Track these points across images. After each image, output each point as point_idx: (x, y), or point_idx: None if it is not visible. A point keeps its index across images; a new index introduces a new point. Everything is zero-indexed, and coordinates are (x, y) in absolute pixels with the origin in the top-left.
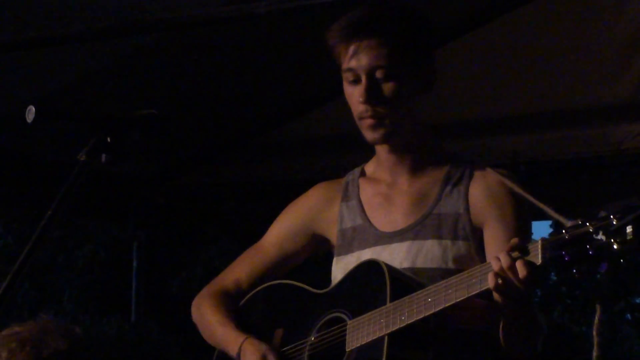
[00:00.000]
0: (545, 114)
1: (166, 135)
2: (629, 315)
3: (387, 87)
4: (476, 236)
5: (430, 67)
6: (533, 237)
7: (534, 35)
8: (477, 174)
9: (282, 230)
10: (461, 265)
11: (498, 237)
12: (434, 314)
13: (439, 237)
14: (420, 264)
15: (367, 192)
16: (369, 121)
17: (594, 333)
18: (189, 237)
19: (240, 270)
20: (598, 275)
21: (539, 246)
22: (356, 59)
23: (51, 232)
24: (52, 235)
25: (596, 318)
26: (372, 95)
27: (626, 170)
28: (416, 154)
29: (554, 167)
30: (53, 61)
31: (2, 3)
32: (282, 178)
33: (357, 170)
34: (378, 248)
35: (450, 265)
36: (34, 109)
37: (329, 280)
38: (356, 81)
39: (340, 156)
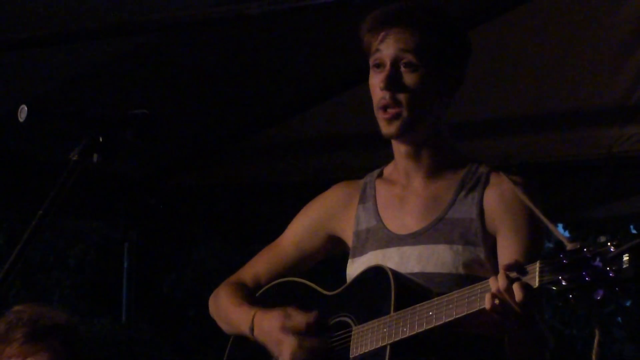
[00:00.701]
0: (536, 116)
1: (158, 135)
2: (619, 318)
3: (410, 78)
4: (488, 243)
5: (456, 72)
6: None
7: (526, 38)
8: (493, 181)
9: (300, 230)
10: (471, 270)
11: (510, 248)
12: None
13: (450, 242)
14: (431, 268)
15: (383, 194)
16: (387, 114)
17: (593, 358)
18: (180, 237)
19: (259, 267)
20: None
21: (537, 269)
22: (384, 45)
23: (42, 231)
24: (44, 235)
25: (595, 343)
26: (394, 82)
27: (617, 173)
28: (433, 157)
29: (545, 170)
30: (46, 61)
31: None
32: (274, 179)
33: (375, 172)
34: (390, 250)
35: (461, 270)
36: (26, 108)
37: (343, 281)
38: (380, 66)
39: (332, 157)
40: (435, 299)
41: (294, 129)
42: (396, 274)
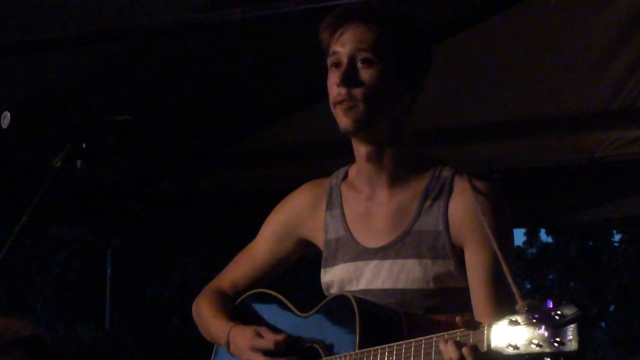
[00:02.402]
0: (519, 122)
1: (141, 141)
2: (602, 323)
3: (366, 73)
4: (456, 254)
5: (415, 71)
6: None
7: (508, 44)
8: (457, 189)
9: (271, 233)
10: (442, 284)
11: (478, 264)
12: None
13: (419, 256)
14: (401, 284)
15: (349, 202)
16: (342, 105)
17: None
18: (163, 244)
19: (236, 273)
20: None
21: (485, 331)
22: (340, 43)
23: (25, 238)
24: (26, 242)
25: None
26: (350, 78)
27: (599, 178)
28: (395, 160)
29: (528, 175)
30: (29, 67)
31: None
32: (257, 186)
33: (341, 172)
34: (360, 264)
35: (431, 285)
36: (9, 114)
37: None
38: (337, 65)
39: (316, 163)
40: (395, 344)
41: (278, 136)
42: (361, 306)
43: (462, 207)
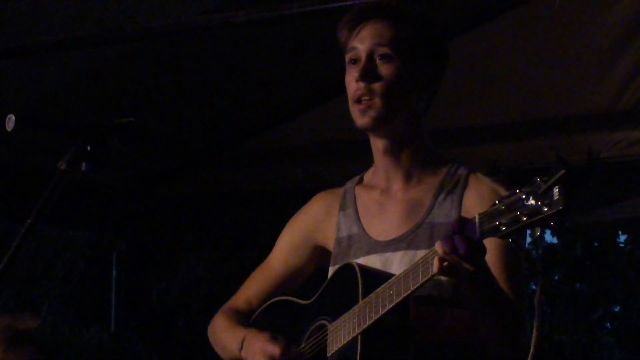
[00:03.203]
0: (524, 123)
1: (146, 144)
2: (608, 324)
3: (385, 69)
4: None
5: (432, 67)
6: None
7: (512, 45)
8: (472, 183)
9: (286, 246)
10: None
11: (489, 247)
12: (413, 312)
13: (431, 246)
14: None
15: (363, 200)
16: (361, 105)
17: (535, 303)
18: (168, 246)
19: (250, 290)
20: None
21: (476, 220)
22: (359, 39)
23: (30, 241)
24: (32, 245)
25: (537, 290)
26: (369, 73)
27: (605, 179)
28: (412, 156)
29: (533, 176)
30: (33, 70)
31: None
32: (263, 187)
33: (355, 178)
34: (372, 257)
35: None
36: (14, 117)
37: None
38: (356, 61)
39: (321, 165)
40: (394, 277)
41: (283, 137)
42: (362, 265)
43: (476, 198)
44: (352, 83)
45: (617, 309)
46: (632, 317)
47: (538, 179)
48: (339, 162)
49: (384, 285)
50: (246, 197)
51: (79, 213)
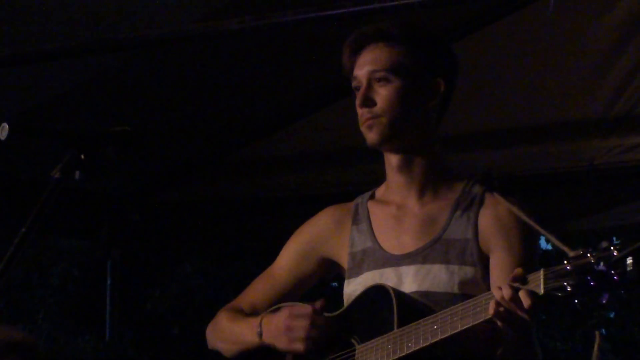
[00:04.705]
0: (518, 129)
1: (140, 152)
2: (604, 330)
3: (383, 91)
4: (483, 262)
5: (436, 80)
6: None
7: (507, 51)
8: (488, 202)
9: (292, 255)
10: (467, 290)
11: (503, 266)
12: (440, 342)
13: (446, 262)
14: (427, 287)
15: (377, 215)
16: (366, 122)
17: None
18: (163, 255)
19: (254, 295)
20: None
21: (541, 276)
22: (358, 67)
23: (25, 250)
24: (26, 254)
25: (595, 346)
26: (368, 98)
27: (599, 186)
28: (425, 171)
29: (528, 182)
30: (27, 78)
31: None
32: (258, 195)
33: (367, 194)
34: (387, 270)
35: (456, 290)
36: (7, 126)
37: (342, 302)
38: (358, 88)
39: (316, 173)
40: (439, 312)
41: (277, 145)
42: (397, 291)
43: (492, 217)
44: (358, 109)
45: (612, 315)
46: (627, 324)
47: (611, 247)
48: (334, 170)
49: (427, 319)
50: (241, 205)
51: (74, 221)
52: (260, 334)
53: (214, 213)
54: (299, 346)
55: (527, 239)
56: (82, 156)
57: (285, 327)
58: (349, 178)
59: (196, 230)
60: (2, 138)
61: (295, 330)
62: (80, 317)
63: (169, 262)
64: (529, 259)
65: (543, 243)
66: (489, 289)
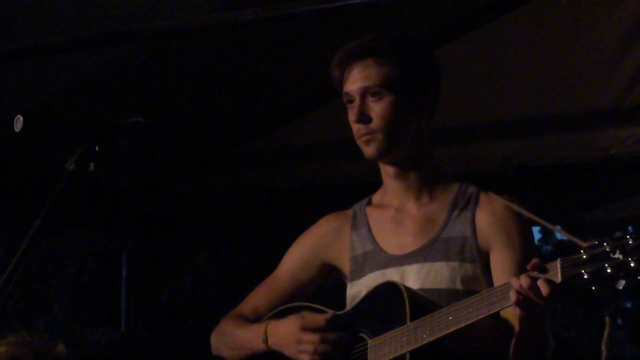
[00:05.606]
0: (533, 119)
1: (154, 143)
2: (619, 320)
3: (378, 106)
4: (482, 258)
5: (426, 90)
6: None
7: (522, 41)
8: (483, 200)
9: (294, 261)
10: (468, 286)
11: (505, 260)
12: (452, 333)
13: (447, 259)
14: (429, 284)
15: (376, 219)
16: (363, 137)
17: (603, 347)
18: (178, 245)
19: (257, 300)
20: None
21: (559, 265)
22: (350, 82)
23: (40, 241)
24: (41, 245)
25: (605, 333)
26: (364, 114)
27: (614, 175)
28: (420, 176)
29: (543, 172)
30: (41, 71)
31: None
32: (271, 186)
33: (364, 201)
34: (389, 270)
35: (459, 286)
36: (22, 118)
37: (343, 305)
38: (351, 101)
39: (329, 163)
40: (452, 305)
41: (291, 135)
42: (407, 287)
43: (489, 214)
44: (353, 124)
45: (628, 305)
46: None
47: (627, 236)
48: (347, 161)
49: (440, 311)
50: (256, 196)
51: (89, 213)
52: (265, 340)
53: (228, 204)
54: (306, 358)
55: (526, 234)
56: (96, 148)
57: (295, 340)
58: (362, 169)
59: (210, 221)
60: (17, 130)
61: (304, 344)
62: (95, 308)
63: (184, 253)
64: (528, 254)
65: (558, 233)
66: (490, 285)
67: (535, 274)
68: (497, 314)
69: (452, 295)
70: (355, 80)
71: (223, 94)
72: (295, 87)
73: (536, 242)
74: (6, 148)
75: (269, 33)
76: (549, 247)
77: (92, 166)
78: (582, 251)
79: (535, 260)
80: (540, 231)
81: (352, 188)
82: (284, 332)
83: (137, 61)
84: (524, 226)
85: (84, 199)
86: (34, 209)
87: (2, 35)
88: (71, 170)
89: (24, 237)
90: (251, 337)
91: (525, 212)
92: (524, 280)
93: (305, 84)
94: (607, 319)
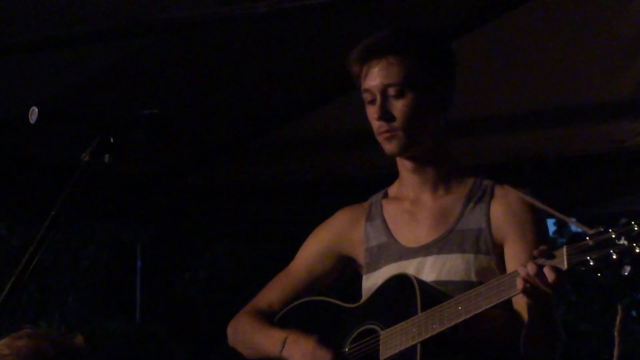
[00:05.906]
0: (548, 112)
1: (169, 135)
2: (634, 312)
3: (400, 104)
4: (497, 251)
5: (444, 85)
6: None
7: (536, 33)
8: (498, 192)
9: (310, 254)
10: (483, 277)
11: (519, 253)
12: (463, 323)
13: (462, 251)
14: (444, 276)
15: (391, 211)
16: (384, 134)
17: (616, 334)
18: (193, 237)
19: (272, 294)
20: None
21: (564, 252)
22: (371, 79)
23: (55, 233)
24: (56, 237)
25: (618, 319)
26: (386, 112)
27: (629, 168)
28: (437, 170)
29: (557, 165)
30: (56, 63)
31: (2, 5)
32: (288, 178)
33: (380, 193)
34: (404, 262)
35: (473, 277)
36: (37, 110)
37: (359, 297)
38: (373, 100)
39: (343, 157)
40: (461, 295)
41: (306, 128)
42: (418, 278)
43: (504, 207)
44: (374, 121)
45: None
46: None
47: (632, 222)
48: (364, 153)
49: (450, 301)
50: (271, 188)
51: (104, 204)
52: (281, 351)
53: (244, 195)
54: None
55: (539, 225)
56: (112, 139)
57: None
58: (378, 161)
59: (226, 212)
60: (32, 122)
61: None
62: (110, 299)
63: (199, 245)
64: (542, 243)
65: (573, 225)
66: None
67: (541, 260)
68: (510, 306)
69: (467, 287)
70: (376, 77)
71: (239, 86)
72: (309, 80)
73: (551, 234)
74: (21, 140)
75: (282, 26)
76: (564, 240)
77: (107, 158)
78: (587, 238)
79: (542, 247)
80: (555, 224)
81: (368, 180)
82: (301, 352)
83: (152, 53)
84: (538, 218)
85: (99, 190)
86: (48, 200)
87: (18, 27)
88: (86, 161)
89: (39, 228)
90: (268, 343)
91: (539, 205)
92: (530, 268)
93: (319, 76)
94: (619, 306)
